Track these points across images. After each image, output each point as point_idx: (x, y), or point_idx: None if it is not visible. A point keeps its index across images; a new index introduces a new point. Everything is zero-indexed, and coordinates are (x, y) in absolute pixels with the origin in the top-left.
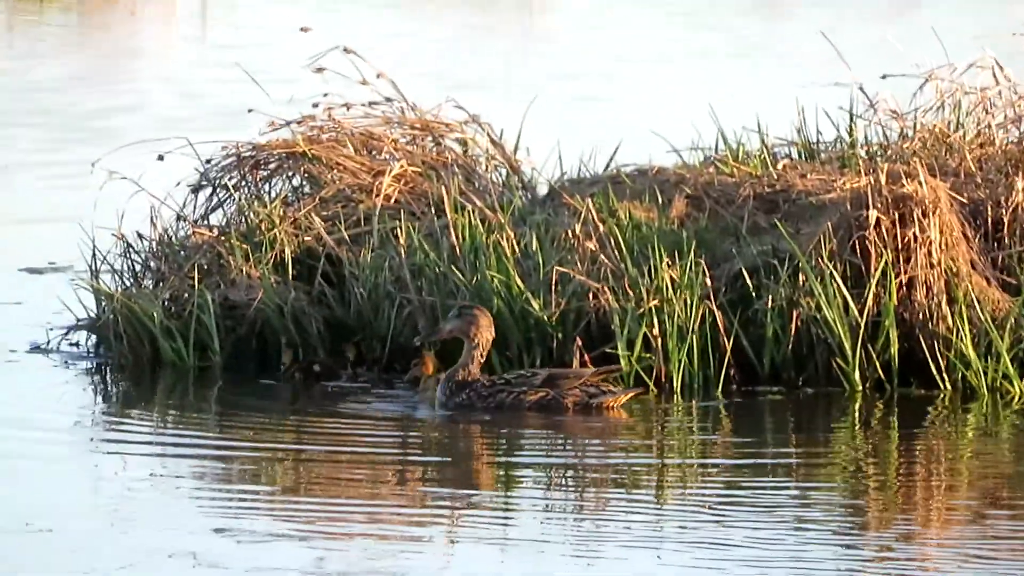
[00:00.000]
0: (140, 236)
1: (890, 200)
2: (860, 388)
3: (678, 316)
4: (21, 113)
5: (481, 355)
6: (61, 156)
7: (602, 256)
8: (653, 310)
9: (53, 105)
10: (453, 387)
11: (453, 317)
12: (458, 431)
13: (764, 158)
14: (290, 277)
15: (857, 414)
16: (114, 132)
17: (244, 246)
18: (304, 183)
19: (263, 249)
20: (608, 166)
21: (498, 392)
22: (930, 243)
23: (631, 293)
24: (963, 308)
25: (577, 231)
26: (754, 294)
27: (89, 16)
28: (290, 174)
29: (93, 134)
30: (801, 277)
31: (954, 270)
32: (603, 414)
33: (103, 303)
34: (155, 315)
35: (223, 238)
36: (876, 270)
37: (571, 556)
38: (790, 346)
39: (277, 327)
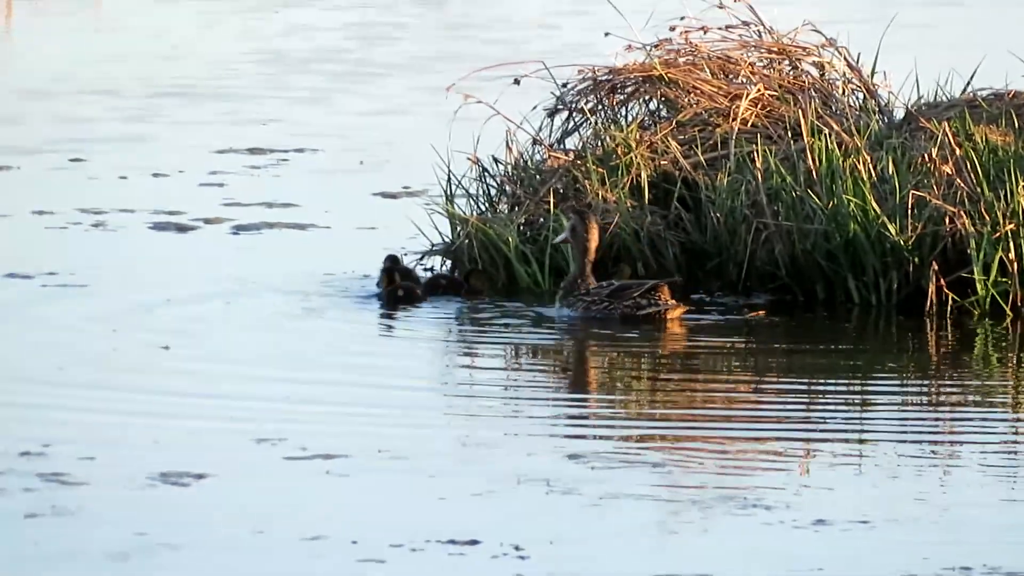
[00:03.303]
0: (495, 160)
1: None
2: None
3: None
4: (375, 52)
5: (589, 260)
6: (415, 86)
7: (958, 180)
8: (1010, 234)
9: (410, 38)
10: (561, 295)
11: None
12: (804, 354)
13: None
14: (646, 201)
15: None
16: (466, 60)
17: (600, 170)
18: (660, 107)
19: (619, 173)
20: (964, 90)
21: (578, 301)
22: None
23: (987, 217)
24: None
25: (934, 155)
26: None
27: None
28: (646, 98)
29: (446, 64)
30: None
31: None
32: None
33: (458, 228)
34: (510, 240)
35: (579, 162)
36: None
37: (925, 478)
38: None
39: (633, 251)
